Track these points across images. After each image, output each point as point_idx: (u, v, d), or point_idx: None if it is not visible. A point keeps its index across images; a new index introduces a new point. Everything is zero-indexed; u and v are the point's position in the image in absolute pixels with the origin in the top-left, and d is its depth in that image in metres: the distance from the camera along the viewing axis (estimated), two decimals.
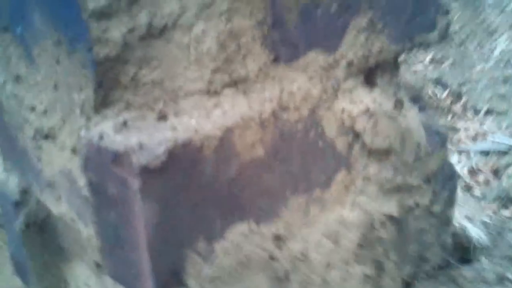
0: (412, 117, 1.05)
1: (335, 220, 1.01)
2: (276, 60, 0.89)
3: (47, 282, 1.18)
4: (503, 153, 2.70)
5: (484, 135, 2.88)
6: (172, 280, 0.82)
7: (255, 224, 0.90)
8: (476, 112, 3.10)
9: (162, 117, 0.81)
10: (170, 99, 0.82)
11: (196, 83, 0.83)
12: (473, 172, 2.59)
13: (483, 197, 2.37)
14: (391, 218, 1.06)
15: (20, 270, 1.26)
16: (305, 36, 0.90)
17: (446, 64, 3.62)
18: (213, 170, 0.82)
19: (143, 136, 0.77)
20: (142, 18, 0.76)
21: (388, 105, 1.02)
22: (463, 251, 1.94)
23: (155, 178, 0.76)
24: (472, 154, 2.71)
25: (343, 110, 0.97)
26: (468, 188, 2.45)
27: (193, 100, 0.83)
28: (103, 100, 0.79)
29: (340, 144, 0.98)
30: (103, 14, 0.73)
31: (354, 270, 1.04)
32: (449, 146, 1.21)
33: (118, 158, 0.76)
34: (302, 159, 0.94)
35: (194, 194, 0.81)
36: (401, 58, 1.05)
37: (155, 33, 0.78)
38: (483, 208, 2.26)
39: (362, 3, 0.94)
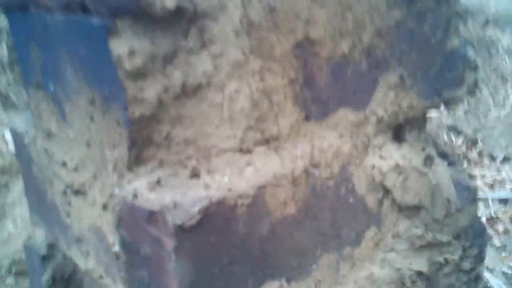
0: (441, 172, 1.04)
1: (365, 278, 0.99)
2: (307, 117, 0.89)
3: None
4: None
5: (502, 182, 2.86)
6: None
7: (287, 283, 0.89)
8: (493, 159, 3.09)
9: (195, 174, 0.81)
10: (202, 157, 0.82)
11: (229, 141, 0.83)
12: (491, 220, 2.57)
13: (503, 247, 2.34)
14: (421, 275, 1.05)
15: None
16: (336, 94, 0.91)
17: (461, 110, 3.63)
18: (245, 228, 0.82)
19: (177, 195, 0.77)
20: (177, 78, 0.76)
21: (417, 160, 1.01)
22: None
23: (189, 237, 0.75)
24: (490, 202, 2.68)
25: (373, 167, 0.96)
26: (487, 238, 2.42)
27: (225, 158, 0.83)
28: (136, 158, 0.79)
29: (371, 200, 0.98)
30: (139, 74, 0.74)
31: None
32: None
33: (152, 217, 0.76)
34: (333, 216, 0.93)
35: (227, 253, 0.80)
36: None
37: (189, 92, 0.78)
38: (503, 259, 2.23)
39: (392, 60, 0.94)
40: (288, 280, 0.89)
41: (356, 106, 0.93)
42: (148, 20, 0.73)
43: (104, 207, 0.91)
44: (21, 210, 2.54)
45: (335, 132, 0.92)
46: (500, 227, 2.48)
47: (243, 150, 0.84)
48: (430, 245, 1.05)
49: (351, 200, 0.95)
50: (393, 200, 1.00)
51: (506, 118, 3.56)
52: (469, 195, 1.08)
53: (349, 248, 0.97)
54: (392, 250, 1.02)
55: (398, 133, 1.02)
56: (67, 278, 1.11)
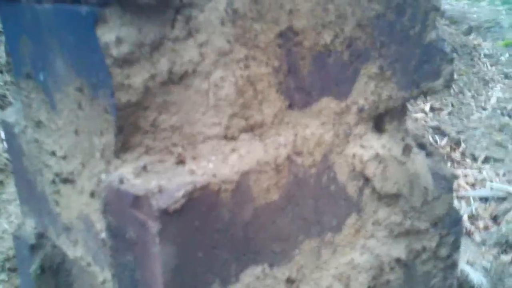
0: (420, 162, 1.05)
1: (346, 264, 0.99)
2: (290, 106, 0.89)
3: None
4: (502, 199, 2.70)
5: (483, 181, 2.88)
6: None
7: (269, 268, 0.89)
8: (475, 159, 3.11)
9: (181, 161, 0.81)
10: (188, 144, 0.82)
11: (214, 128, 0.83)
12: (473, 217, 2.59)
13: (483, 242, 2.36)
14: (399, 261, 1.05)
15: None
16: (318, 83, 0.91)
17: (445, 112, 3.65)
18: (229, 213, 0.81)
19: (162, 180, 0.76)
20: (163, 65, 0.76)
21: (397, 150, 1.01)
22: None
23: (174, 221, 0.75)
24: (472, 200, 2.70)
25: (354, 155, 0.97)
26: (468, 234, 2.44)
27: (210, 145, 0.83)
28: (123, 145, 0.79)
29: (351, 188, 0.98)
30: (126, 61, 0.73)
31: None
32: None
33: (137, 201, 0.75)
34: (315, 203, 0.93)
35: (210, 237, 0.80)
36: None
37: (175, 79, 0.78)
38: (484, 254, 2.25)
39: (372, 51, 0.95)
40: (271, 265, 0.89)
41: (338, 96, 0.94)
42: (135, 9, 0.73)
43: (92, 194, 0.91)
44: (15, 207, 2.52)
45: (317, 120, 0.92)
46: (481, 224, 2.50)
47: (228, 137, 0.84)
48: (409, 232, 1.06)
49: (332, 187, 0.95)
50: (373, 188, 1.00)
51: (487, 119, 3.59)
52: (446, 184, 1.09)
53: (331, 235, 0.97)
54: (372, 237, 1.02)
55: (378, 124, 1.02)
56: (55, 267, 1.10)
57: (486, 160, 3.10)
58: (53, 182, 1.01)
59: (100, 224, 0.90)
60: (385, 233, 1.03)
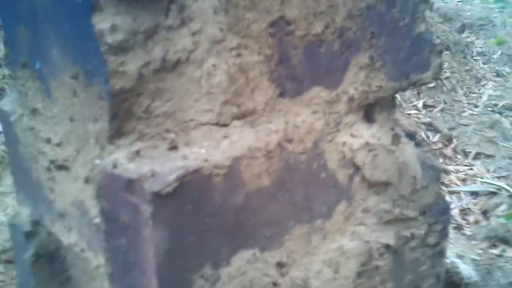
0: (408, 151, 1.06)
1: (335, 250, 1.00)
2: (282, 94, 0.90)
3: None
4: (492, 194, 2.71)
5: (474, 176, 2.90)
6: None
7: (260, 252, 0.90)
8: (466, 155, 3.13)
9: (174, 147, 0.82)
10: (181, 130, 0.83)
11: (206, 115, 0.84)
12: (463, 212, 2.61)
13: (473, 236, 2.38)
14: (388, 248, 1.06)
15: None
16: (309, 72, 0.92)
17: (438, 109, 3.67)
18: (221, 198, 0.82)
19: (155, 165, 0.77)
20: (157, 53, 0.77)
21: (386, 139, 1.03)
22: (455, 287, 1.93)
23: (166, 204, 0.76)
24: (462, 195, 2.72)
25: (344, 144, 0.98)
26: (459, 228, 2.46)
27: (203, 131, 0.84)
28: (117, 131, 0.80)
29: (341, 176, 0.99)
30: (120, 49, 0.74)
31: None
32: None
33: (130, 185, 0.76)
34: (305, 189, 0.94)
35: (202, 221, 0.81)
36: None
37: (169, 67, 0.79)
38: (473, 247, 2.26)
39: (362, 42, 0.96)
40: (262, 250, 0.90)
41: (329, 85, 0.95)
42: None
43: (87, 180, 0.92)
44: (12, 200, 2.53)
45: (308, 109, 0.93)
46: (471, 218, 2.52)
47: (220, 124, 0.85)
48: (398, 220, 1.07)
49: (323, 175, 0.96)
50: (363, 176, 1.01)
51: (479, 117, 3.60)
52: (434, 174, 1.10)
53: (321, 221, 0.98)
54: (361, 223, 1.04)
55: (368, 114, 1.03)
56: (50, 254, 1.11)
57: (477, 156, 3.12)
58: (48, 169, 1.02)
59: (94, 210, 0.91)
60: (375, 220, 1.05)
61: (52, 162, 1.00)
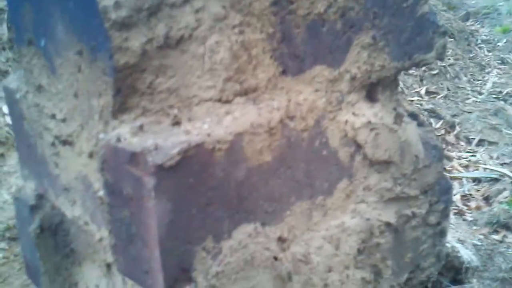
0: (411, 131, 1.06)
1: (336, 226, 1.01)
2: (284, 72, 0.91)
3: (58, 285, 1.18)
4: (495, 181, 2.71)
5: (476, 163, 2.90)
6: (181, 276, 0.83)
7: (261, 226, 0.91)
8: (469, 142, 3.12)
9: (177, 122, 0.83)
10: (184, 106, 0.84)
11: (209, 91, 0.85)
12: (465, 198, 2.61)
13: (475, 221, 2.38)
14: (389, 226, 1.07)
15: (32, 273, 1.26)
16: (312, 51, 0.92)
17: (441, 96, 3.66)
18: (223, 172, 0.83)
19: (159, 139, 0.78)
20: (160, 30, 0.78)
21: (388, 119, 1.03)
22: (455, 272, 1.94)
23: (169, 177, 0.77)
24: (464, 181, 2.72)
25: (346, 122, 0.98)
26: (460, 213, 2.46)
27: (206, 107, 0.85)
28: (121, 106, 0.80)
29: (343, 154, 1.00)
30: (124, 25, 0.75)
31: (353, 274, 1.05)
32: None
33: (134, 158, 0.77)
34: (307, 166, 0.95)
35: (205, 194, 0.82)
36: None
37: (172, 43, 0.80)
38: (474, 232, 2.27)
39: (365, 22, 0.96)
40: (263, 224, 0.91)
41: (331, 64, 0.95)
42: None
43: (90, 155, 0.93)
44: (16, 179, 2.54)
45: (310, 87, 0.94)
46: (473, 204, 2.52)
47: (223, 100, 0.86)
48: (399, 198, 1.08)
49: (324, 152, 0.97)
50: (365, 155, 1.02)
51: (483, 104, 3.60)
52: (436, 153, 1.10)
53: (322, 198, 0.99)
54: (362, 201, 1.05)
55: (371, 93, 1.04)
56: (54, 227, 1.12)
57: (480, 143, 3.11)
58: (53, 144, 1.03)
59: (98, 184, 0.92)
60: (376, 198, 1.06)
61: (56, 137, 1.01)
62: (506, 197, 2.53)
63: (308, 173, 0.96)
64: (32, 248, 1.16)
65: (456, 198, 2.55)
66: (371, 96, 1.04)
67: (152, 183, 0.76)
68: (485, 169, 2.82)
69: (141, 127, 0.81)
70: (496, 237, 2.24)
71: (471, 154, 3.00)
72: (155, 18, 0.78)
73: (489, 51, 4.66)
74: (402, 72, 1.08)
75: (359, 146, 1.01)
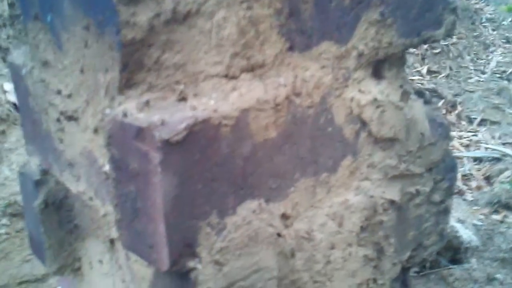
0: (417, 108, 1.06)
1: (340, 203, 1.02)
2: (291, 48, 0.90)
3: (62, 260, 1.19)
4: (496, 160, 2.71)
5: (478, 142, 2.90)
6: (186, 251, 0.83)
7: (265, 203, 0.91)
8: (470, 121, 3.12)
9: (183, 98, 0.83)
10: (190, 82, 0.84)
11: (216, 67, 0.84)
12: (466, 177, 2.61)
13: (475, 201, 2.39)
14: (393, 203, 1.08)
15: (37, 249, 1.27)
16: (319, 26, 0.92)
17: (443, 75, 3.65)
18: (228, 148, 0.84)
19: (165, 114, 0.78)
20: (168, 4, 0.78)
21: (395, 96, 1.03)
22: (454, 251, 1.95)
23: (175, 152, 0.77)
24: (465, 161, 2.72)
25: (352, 99, 0.98)
26: (460, 193, 2.47)
27: (212, 83, 0.85)
28: (127, 81, 0.80)
29: (348, 131, 1.00)
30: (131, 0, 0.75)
31: (356, 251, 1.05)
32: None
33: (140, 133, 0.77)
34: (312, 143, 0.95)
35: (210, 170, 0.82)
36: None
37: (179, 18, 0.79)
38: (474, 212, 2.28)
39: None
40: (267, 200, 0.92)
41: (338, 40, 0.95)
42: None
43: (96, 131, 0.93)
44: (17, 156, 2.55)
45: (317, 63, 0.94)
46: (473, 184, 2.53)
47: (229, 76, 0.86)
48: (403, 176, 1.08)
49: (329, 129, 0.97)
50: (370, 132, 1.02)
51: (486, 83, 3.59)
52: (443, 131, 1.11)
53: (326, 175, 0.99)
54: (366, 179, 1.05)
55: (378, 70, 1.03)
56: (59, 202, 1.13)
57: (482, 122, 3.11)
58: (58, 120, 1.03)
59: (102, 159, 0.92)
60: (380, 175, 1.06)
61: (62, 113, 1.01)
62: (508, 176, 2.53)
63: (313, 150, 0.96)
64: (37, 223, 1.16)
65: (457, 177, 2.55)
66: (377, 73, 1.04)
67: (158, 158, 0.76)
68: (486, 148, 2.83)
69: (147, 103, 0.81)
70: (496, 217, 2.25)
71: (472, 133, 3.00)
72: None
73: (493, 30, 4.64)
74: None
75: (364, 123, 1.01)
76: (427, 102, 1.10)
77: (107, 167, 0.89)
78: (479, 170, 2.64)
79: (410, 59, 3.69)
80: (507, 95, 3.38)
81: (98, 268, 1.12)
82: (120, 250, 0.99)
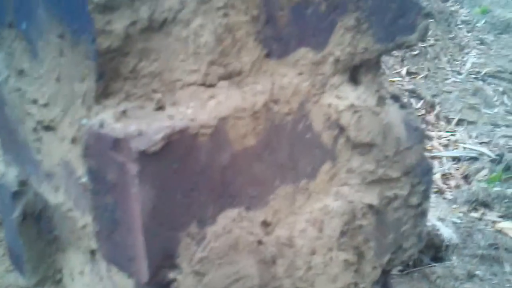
0: (393, 113, 1.06)
1: (319, 209, 1.01)
2: (268, 55, 0.90)
3: (42, 272, 1.17)
4: (474, 159, 2.74)
5: (456, 142, 2.92)
6: (165, 262, 0.82)
7: (245, 211, 0.90)
8: (448, 121, 3.15)
9: (160, 107, 0.81)
10: (167, 90, 0.82)
11: (193, 75, 0.83)
12: (445, 176, 2.63)
13: (454, 200, 2.40)
14: (371, 207, 1.07)
15: (16, 261, 1.25)
16: (296, 33, 0.91)
17: (421, 76, 3.68)
18: (207, 157, 0.82)
19: (142, 124, 0.77)
20: (144, 12, 0.76)
21: (371, 101, 1.03)
22: (436, 249, 1.96)
23: (153, 163, 0.76)
24: (444, 160, 2.74)
25: (329, 105, 0.98)
26: (440, 192, 2.48)
27: (189, 91, 0.83)
28: (104, 91, 0.79)
29: (326, 137, 0.99)
30: (106, 7, 0.73)
31: (336, 256, 1.05)
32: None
33: (117, 144, 0.76)
34: (290, 150, 0.94)
35: (188, 180, 0.81)
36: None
37: (156, 26, 0.78)
38: (454, 210, 2.29)
39: (349, 4, 0.95)
40: (247, 208, 0.91)
41: (315, 46, 0.94)
42: None
43: (73, 140, 0.91)
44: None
45: (294, 70, 0.93)
46: (452, 183, 2.55)
47: (207, 84, 0.85)
48: (381, 180, 1.08)
49: (308, 135, 0.96)
50: (348, 138, 1.01)
51: (462, 84, 3.62)
52: (418, 135, 1.11)
53: (305, 181, 0.99)
54: (345, 184, 1.04)
55: (354, 76, 1.03)
56: (37, 213, 1.11)
57: (460, 122, 3.14)
58: (35, 130, 1.01)
59: (80, 170, 0.90)
60: (358, 180, 1.05)
61: (39, 122, 1.00)
62: (485, 175, 2.56)
63: (292, 157, 0.95)
64: (15, 235, 1.14)
65: (436, 177, 2.58)
66: (354, 79, 1.03)
67: (135, 169, 0.75)
68: (464, 148, 2.86)
69: (124, 112, 0.79)
70: (475, 214, 2.27)
71: (450, 133, 3.03)
72: (138, 1, 0.76)
73: (468, 32, 4.69)
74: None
75: (342, 129, 1.00)
76: (402, 107, 1.10)
77: (85, 178, 0.88)
78: (457, 169, 2.66)
79: (390, 61, 3.71)
80: (482, 95, 3.41)
81: (80, 280, 1.10)
82: (100, 261, 0.97)
